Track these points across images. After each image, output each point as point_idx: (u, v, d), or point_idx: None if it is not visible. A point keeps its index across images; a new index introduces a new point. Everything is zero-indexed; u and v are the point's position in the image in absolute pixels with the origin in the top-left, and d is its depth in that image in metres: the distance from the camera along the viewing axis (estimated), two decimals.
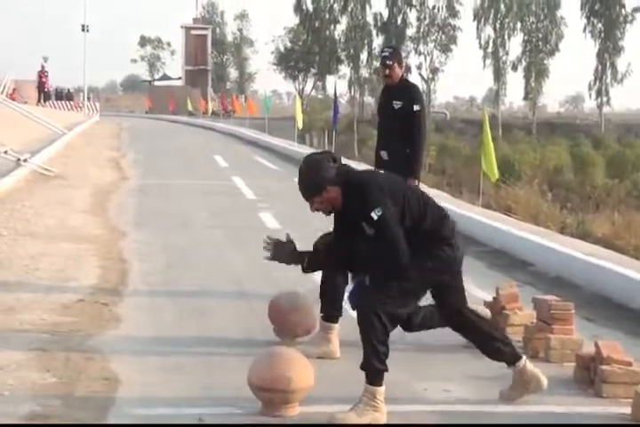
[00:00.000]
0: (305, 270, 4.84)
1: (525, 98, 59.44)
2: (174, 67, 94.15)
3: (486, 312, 5.82)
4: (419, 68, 59.13)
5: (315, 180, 4.55)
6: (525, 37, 57.28)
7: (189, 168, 20.17)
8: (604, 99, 55.85)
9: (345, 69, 61.90)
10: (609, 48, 55.46)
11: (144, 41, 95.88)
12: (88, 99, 57.20)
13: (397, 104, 7.15)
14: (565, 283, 8.09)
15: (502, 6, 56.01)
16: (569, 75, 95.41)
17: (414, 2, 58.51)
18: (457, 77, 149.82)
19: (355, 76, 59.47)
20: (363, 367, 4.49)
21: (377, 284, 4.50)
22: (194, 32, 77.68)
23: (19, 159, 16.18)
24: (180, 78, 79.96)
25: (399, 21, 58.95)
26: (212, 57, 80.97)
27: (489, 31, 56.56)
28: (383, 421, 4.45)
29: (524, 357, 4.91)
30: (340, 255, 4.76)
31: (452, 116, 64.16)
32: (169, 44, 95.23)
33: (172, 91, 71.93)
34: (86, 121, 40.55)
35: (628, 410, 4.63)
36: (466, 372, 5.35)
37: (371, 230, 4.50)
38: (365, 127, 46.07)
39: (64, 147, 23.79)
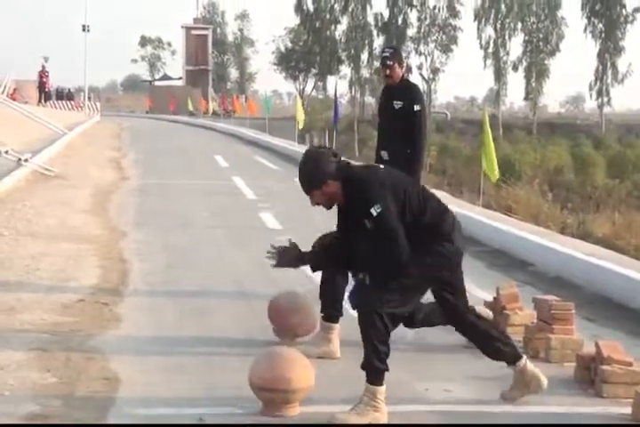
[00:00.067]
0: (314, 270, 4.98)
1: (526, 98, 59.44)
2: (175, 67, 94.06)
3: (488, 313, 5.82)
4: (419, 68, 59.10)
5: (315, 172, 4.54)
6: (526, 38, 57.28)
7: (190, 168, 20.16)
8: (605, 99, 55.88)
9: (346, 70, 61.90)
10: (609, 48, 55.46)
11: (144, 41, 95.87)
12: (89, 99, 57.17)
13: (398, 104, 7.14)
14: (565, 283, 8.09)
15: (503, 6, 56.04)
16: (570, 75, 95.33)
17: (415, 2, 58.48)
18: (458, 78, 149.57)
19: (355, 77, 59.39)
20: (363, 367, 4.49)
21: (377, 283, 4.50)
22: (194, 32, 77.71)
23: (19, 159, 16.18)
24: (180, 78, 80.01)
25: (400, 22, 58.89)
26: (212, 57, 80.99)
27: (489, 31, 56.71)
28: (384, 421, 4.45)
29: (525, 356, 4.92)
30: (340, 255, 4.77)
31: (452, 116, 64.17)
32: (169, 44, 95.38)
33: (173, 91, 71.94)
34: (87, 121, 40.56)
35: (628, 410, 4.63)
36: (467, 372, 5.35)
37: (371, 226, 4.51)
38: (366, 127, 46.05)
39: (65, 147, 23.80)
